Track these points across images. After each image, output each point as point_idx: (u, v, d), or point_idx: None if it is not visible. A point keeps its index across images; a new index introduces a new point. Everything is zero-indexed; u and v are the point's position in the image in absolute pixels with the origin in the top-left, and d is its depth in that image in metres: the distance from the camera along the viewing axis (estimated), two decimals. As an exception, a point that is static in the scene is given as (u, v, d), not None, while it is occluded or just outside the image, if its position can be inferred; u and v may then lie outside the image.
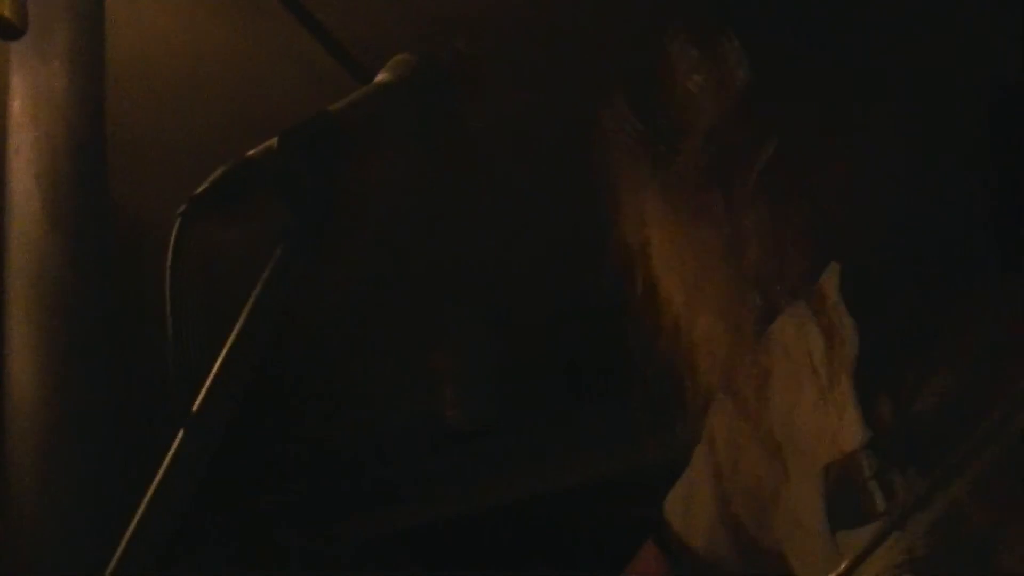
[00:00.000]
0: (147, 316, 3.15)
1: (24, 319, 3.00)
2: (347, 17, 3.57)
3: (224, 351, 1.39)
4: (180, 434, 1.36)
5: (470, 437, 4.99)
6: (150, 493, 1.34)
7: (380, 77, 1.68)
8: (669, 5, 1.92)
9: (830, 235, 1.80)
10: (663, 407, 1.90)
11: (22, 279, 3.03)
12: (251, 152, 1.56)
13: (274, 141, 1.55)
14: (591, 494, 4.94)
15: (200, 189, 1.52)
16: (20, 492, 2.90)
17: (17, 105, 3.12)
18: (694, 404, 1.90)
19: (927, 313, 1.76)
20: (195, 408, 1.36)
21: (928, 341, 1.76)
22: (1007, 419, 1.62)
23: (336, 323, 4.47)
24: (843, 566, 1.64)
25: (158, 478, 1.35)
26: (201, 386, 1.44)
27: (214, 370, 1.38)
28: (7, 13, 2.86)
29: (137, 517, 1.33)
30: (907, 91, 1.82)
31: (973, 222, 1.79)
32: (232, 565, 4.98)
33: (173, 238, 1.48)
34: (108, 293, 3.04)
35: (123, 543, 1.31)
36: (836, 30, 1.84)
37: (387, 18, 3.49)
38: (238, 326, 1.41)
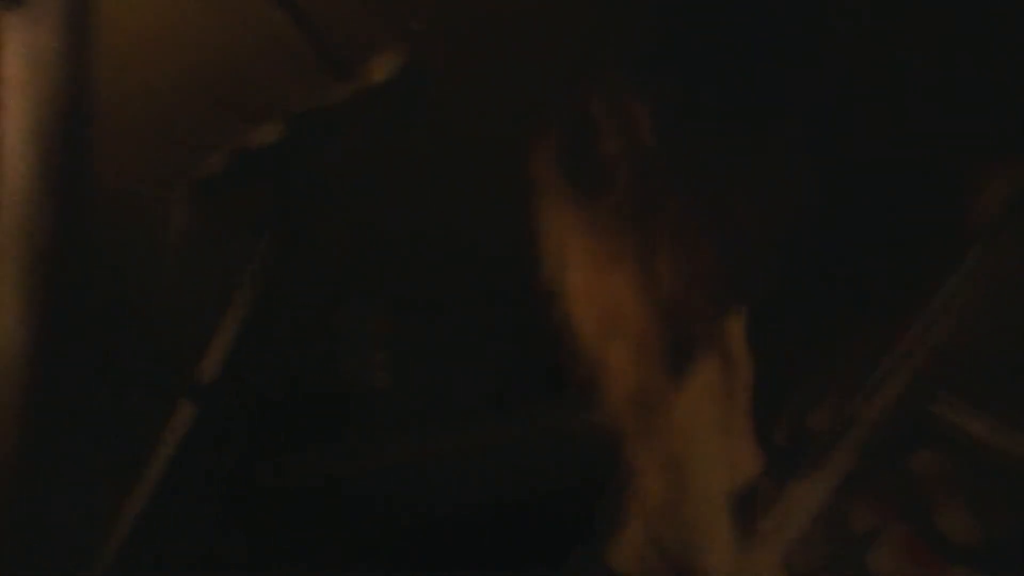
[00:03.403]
0: (131, 283, 3.22)
1: (13, 279, 3.06)
2: (329, 7, 3.61)
3: (226, 324, 1.45)
4: (183, 405, 1.43)
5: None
6: (157, 463, 1.40)
7: (373, 67, 1.75)
8: (589, 66, 2.03)
9: (735, 274, 1.93)
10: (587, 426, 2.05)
11: (11, 240, 3.08)
12: (249, 139, 1.63)
13: (274, 126, 1.62)
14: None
15: (200, 173, 1.59)
16: (6, 451, 2.96)
17: (9, 71, 3.16)
18: (613, 432, 2.05)
19: (818, 338, 1.89)
20: (198, 379, 1.43)
21: (817, 363, 1.89)
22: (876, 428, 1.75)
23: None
24: None
25: (167, 448, 1.41)
26: (200, 357, 1.51)
27: (217, 341, 1.45)
28: (6, -19, 2.91)
29: (144, 484, 1.39)
30: (809, 127, 1.93)
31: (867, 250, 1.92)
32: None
33: (175, 218, 1.55)
34: (96, 255, 3.10)
35: (132, 511, 1.37)
36: (740, 74, 1.95)
37: (369, 10, 3.53)
38: (239, 300, 1.47)
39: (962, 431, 1.74)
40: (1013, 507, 1.73)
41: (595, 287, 2.01)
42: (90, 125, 3.21)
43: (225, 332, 1.46)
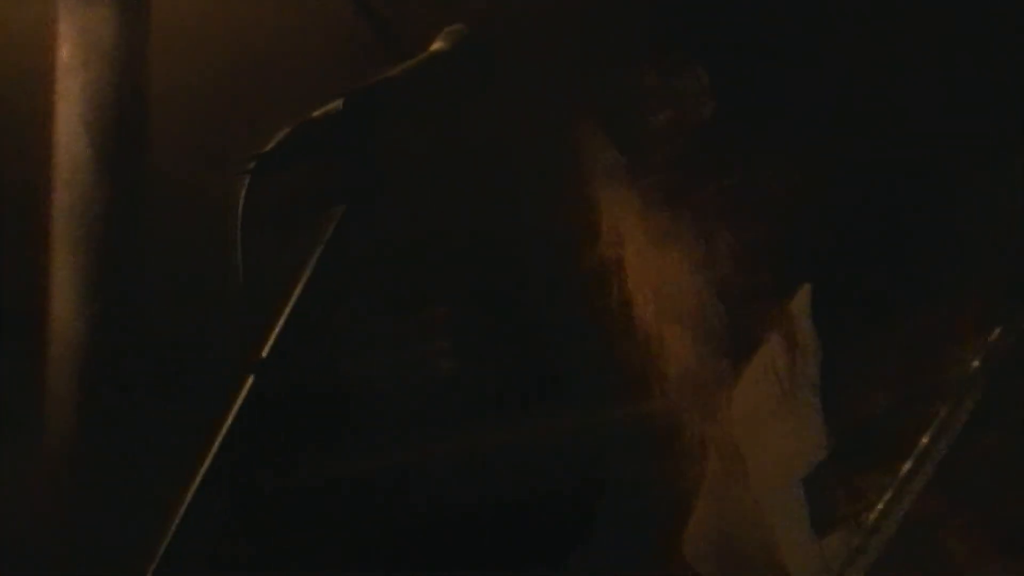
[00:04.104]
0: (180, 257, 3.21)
1: (68, 259, 3.07)
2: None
3: (292, 301, 1.45)
4: (249, 380, 1.43)
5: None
6: (220, 441, 1.40)
7: (435, 45, 1.75)
8: (638, 37, 2.01)
9: (798, 253, 1.90)
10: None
11: (66, 219, 3.10)
12: (315, 113, 1.62)
13: (339, 103, 1.61)
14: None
15: (267, 147, 1.58)
16: (61, 429, 2.98)
17: (65, 51, 3.18)
18: (665, 412, 2.02)
19: (876, 320, 1.87)
20: (264, 355, 1.43)
21: (876, 347, 1.87)
22: (952, 414, 1.73)
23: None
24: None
25: (228, 422, 1.41)
26: (263, 333, 1.51)
27: (282, 319, 1.45)
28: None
29: (207, 464, 1.40)
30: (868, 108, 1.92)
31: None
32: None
33: (243, 193, 1.54)
34: (149, 235, 3.11)
35: (190, 495, 1.37)
36: (797, 53, 1.94)
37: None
38: (305, 278, 1.47)
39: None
40: None
41: (652, 265, 1.99)
42: (144, 109, 3.22)
43: (285, 316, 1.46)
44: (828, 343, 1.93)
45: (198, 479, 1.40)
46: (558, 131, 2.17)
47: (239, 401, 1.42)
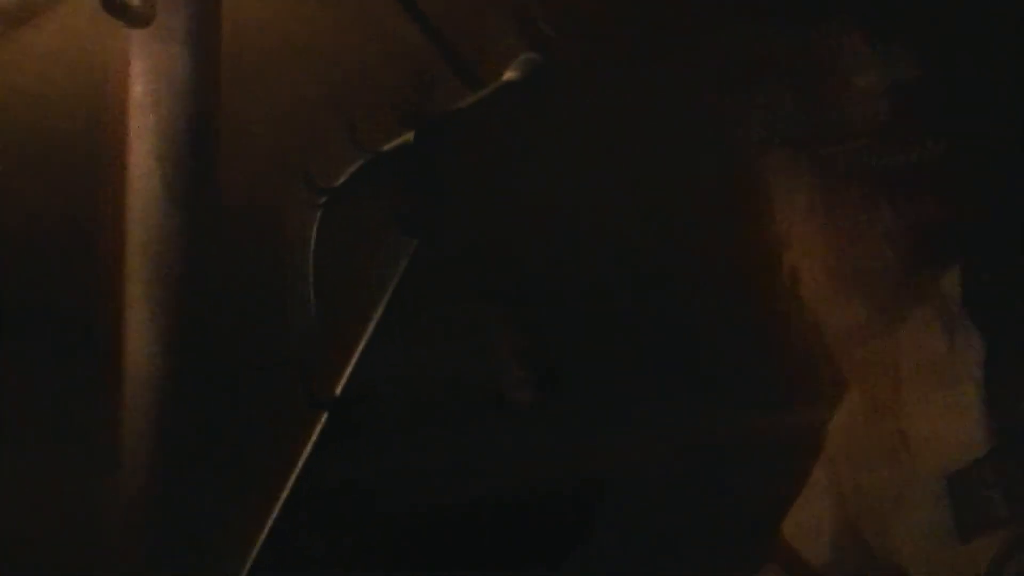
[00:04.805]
0: (258, 297, 3.23)
1: (142, 295, 3.09)
2: (446, 4, 3.62)
3: (367, 336, 1.45)
4: (324, 416, 1.43)
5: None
6: (295, 477, 1.40)
7: (507, 75, 1.75)
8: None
9: (961, 237, 1.84)
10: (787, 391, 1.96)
11: (141, 256, 3.12)
12: (387, 146, 1.63)
13: (410, 136, 1.62)
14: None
15: (340, 180, 1.59)
16: (136, 466, 2.99)
17: (138, 89, 3.20)
18: (826, 391, 1.95)
19: None
20: (340, 392, 1.43)
21: None
22: None
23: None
24: None
25: (304, 459, 1.41)
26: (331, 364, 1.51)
27: (357, 354, 1.45)
28: (138, 2, 2.96)
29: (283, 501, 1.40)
30: None
31: None
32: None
33: (315, 224, 1.55)
34: (222, 268, 3.13)
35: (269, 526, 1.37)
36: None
37: (498, 19, 3.54)
38: (378, 313, 1.47)
39: None
40: None
41: (827, 239, 1.95)
42: (216, 143, 3.24)
43: (360, 338, 1.46)
44: (993, 339, 1.86)
45: (280, 506, 1.40)
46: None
47: (314, 436, 1.42)
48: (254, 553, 1.45)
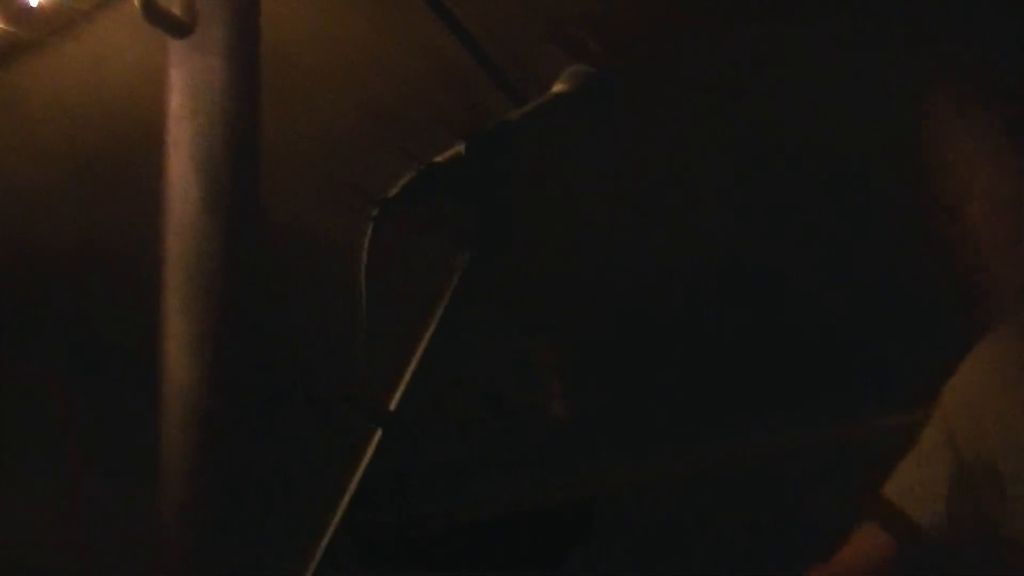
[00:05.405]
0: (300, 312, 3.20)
1: (182, 308, 3.07)
2: (482, 12, 3.60)
3: (419, 351, 1.43)
4: (377, 433, 1.40)
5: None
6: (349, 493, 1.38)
7: (557, 87, 1.72)
8: None
9: None
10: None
11: (180, 269, 3.10)
12: (438, 158, 1.60)
13: (461, 148, 1.59)
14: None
15: (391, 192, 1.56)
16: (176, 481, 2.96)
17: (176, 99, 3.18)
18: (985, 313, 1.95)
19: None
20: (393, 408, 1.41)
21: None
22: None
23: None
24: None
25: (358, 475, 1.39)
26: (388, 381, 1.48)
27: (410, 371, 1.42)
28: (178, 12, 2.94)
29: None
30: None
31: None
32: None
33: (367, 238, 1.53)
34: (263, 281, 3.10)
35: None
36: None
37: (520, 14, 3.52)
38: (432, 328, 1.45)
39: None
40: None
41: (1005, 191, 1.94)
42: (256, 157, 3.22)
43: (413, 353, 1.44)
44: None
45: (331, 529, 1.37)
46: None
47: (368, 454, 1.39)
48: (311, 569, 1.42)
